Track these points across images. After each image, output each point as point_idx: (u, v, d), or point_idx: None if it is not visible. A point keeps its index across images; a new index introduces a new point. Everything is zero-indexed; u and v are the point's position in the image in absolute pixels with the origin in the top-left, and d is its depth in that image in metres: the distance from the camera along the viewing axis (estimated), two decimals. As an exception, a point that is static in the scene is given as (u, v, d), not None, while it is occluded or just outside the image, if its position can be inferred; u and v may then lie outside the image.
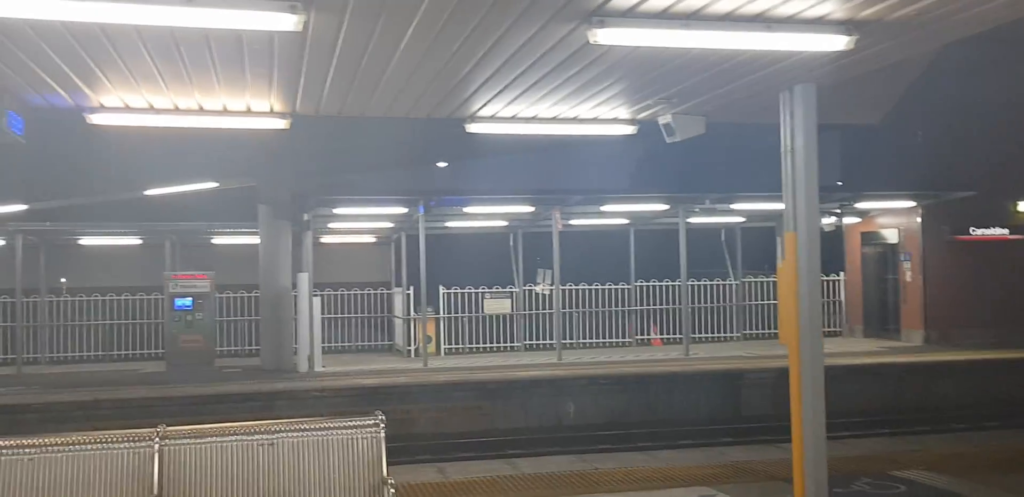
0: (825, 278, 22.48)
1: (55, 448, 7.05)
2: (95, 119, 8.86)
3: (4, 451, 6.82)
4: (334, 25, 6.40)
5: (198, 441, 7.40)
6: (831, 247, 22.85)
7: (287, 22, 5.94)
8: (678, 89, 8.55)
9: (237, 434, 7.53)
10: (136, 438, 7.26)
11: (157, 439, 7.23)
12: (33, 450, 6.98)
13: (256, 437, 7.53)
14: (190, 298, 18.30)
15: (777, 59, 7.41)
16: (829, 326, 22.67)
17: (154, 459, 7.13)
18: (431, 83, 8.24)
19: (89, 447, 7.14)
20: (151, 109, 8.88)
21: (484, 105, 9.25)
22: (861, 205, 20.97)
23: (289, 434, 7.63)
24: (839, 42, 6.59)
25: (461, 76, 8.01)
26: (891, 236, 21.84)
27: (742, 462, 10.76)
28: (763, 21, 6.38)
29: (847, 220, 22.24)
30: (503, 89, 8.54)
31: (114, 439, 7.21)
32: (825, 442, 8.72)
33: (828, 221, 21.23)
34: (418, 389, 15.73)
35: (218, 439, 7.45)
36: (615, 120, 10.04)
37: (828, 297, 22.91)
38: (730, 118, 9.89)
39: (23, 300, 19.16)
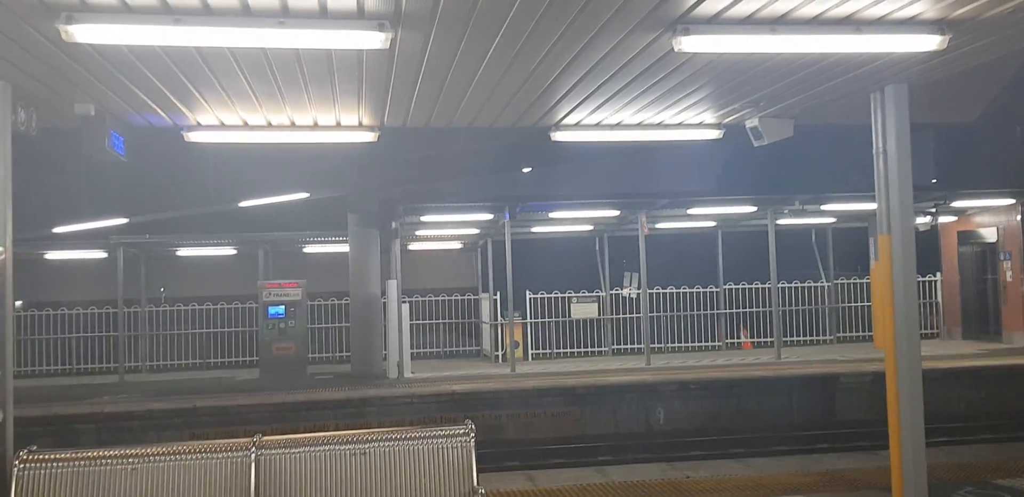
0: (921, 279, 21.84)
1: (157, 457, 7.29)
2: (192, 137, 9.16)
3: (109, 461, 7.09)
4: (420, 41, 6.50)
5: (293, 450, 7.57)
6: (927, 247, 22.22)
7: (375, 40, 6.06)
8: (765, 93, 8.44)
9: (330, 443, 7.69)
10: (234, 448, 7.47)
11: (254, 448, 7.42)
12: (136, 460, 7.24)
13: (348, 446, 7.67)
14: (283, 306, 18.69)
15: (867, 61, 7.27)
16: (926, 328, 22.02)
17: (251, 468, 7.33)
18: (516, 93, 8.31)
19: (189, 456, 7.37)
20: (245, 126, 9.14)
21: (569, 113, 9.28)
22: (958, 204, 20.33)
23: (380, 443, 7.75)
24: (931, 42, 6.43)
25: (545, 85, 8.05)
26: (989, 235, 21.11)
27: (838, 470, 10.53)
28: (852, 23, 6.27)
29: (943, 219, 21.58)
30: (587, 97, 8.56)
31: (213, 449, 7.43)
32: (924, 450, 8.51)
33: (923, 220, 20.64)
34: (507, 395, 15.75)
35: (312, 448, 7.62)
36: (700, 125, 9.96)
37: (924, 298, 22.26)
38: (819, 120, 9.73)
39: (124, 310, 19.84)
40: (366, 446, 7.72)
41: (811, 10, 6.01)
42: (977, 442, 13.41)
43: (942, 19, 6.27)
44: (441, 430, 7.91)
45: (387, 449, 7.74)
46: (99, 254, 20.50)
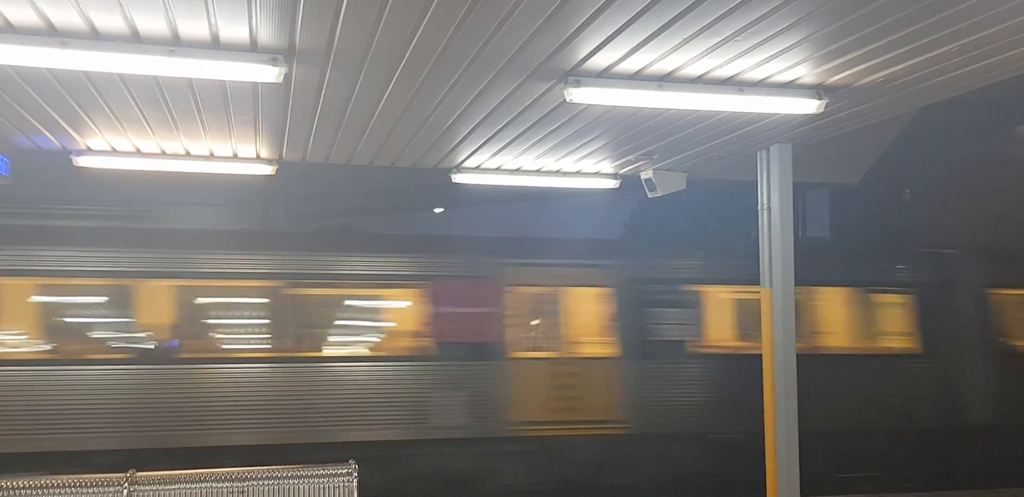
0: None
1: (25, 491, 7.02)
2: (82, 161, 8.94)
3: (-29, 494, 6.80)
4: (316, 77, 6.50)
5: (167, 487, 7.36)
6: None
7: (268, 74, 6.04)
8: (658, 146, 8.66)
9: (207, 481, 7.49)
10: (105, 483, 7.23)
11: (127, 484, 7.21)
12: (2, 493, 6.95)
13: (226, 484, 7.49)
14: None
15: (751, 120, 7.53)
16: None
17: (122, 505, 7.11)
18: (415, 134, 8.35)
19: (58, 491, 7.11)
20: (138, 152, 8.95)
21: (469, 156, 9.34)
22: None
23: (260, 482, 7.59)
24: (810, 106, 6.71)
25: (444, 128, 8.11)
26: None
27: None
28: (735, 84, 6.51)
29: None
30: (486, 141, 8.64)
31: (83, 483, 7.19)
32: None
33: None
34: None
35: (188, 485, 7.42)
36: (598, 174, 10.15)
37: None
38: (712, 175, 10.01)
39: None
40: (245, 485, 7.56)
41: (695, 70, 6.23)
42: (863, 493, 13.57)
43: (819, 84, 6.55)
44: (323, 469, 7.79)
45: (267, 488, 7.59)
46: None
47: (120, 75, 6.39)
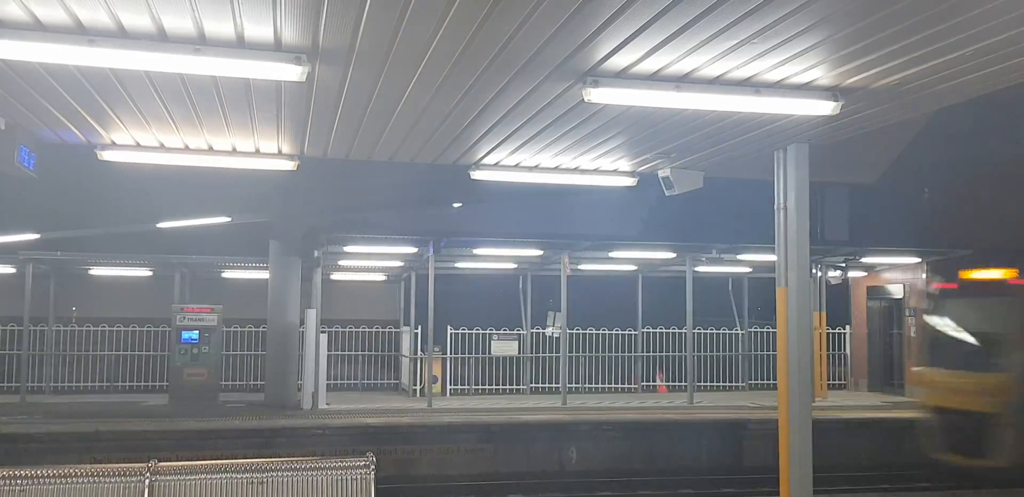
0: (831, 330, 22.43)
1: (47, 480, 7.16)
2: (106, 156, 9.10)
3: (-4, 481, 6.93)
4: (338, 75, 6.61)
5: (188, 477, 7.49)
6: (838, 300, 22.85)
7: (292, 72, 6.16)
8: (675, 145, 8.72)
9: (228, 471, 7.61)
10: (128, 473, 7.37)
11: (148, 474, 7.33)
12: (25, 481, 7.10)
13: (246, 475, 7.61)
14: (197, 331, 18.42)
15: (768, 121, 7.59)
16: (835, 379, 22.58)
17: (144, 494, 7.24)
18: (435, 131, 8.45)
19: (81, 480, 7.25)
20: (161, 147, 9.11)
21: (488, 153, 9.44)
22: (867, 260, 20.97)
23: (279, 473, 7.70)
24: (826, 107, 6.77)
25: (463, 126, 8.21)
26: (896, 291, 21.75)
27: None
28: (752, 85, 6.57)
29: (853, 274, 22.22)
30: (506, 139, 8.74)
31: (106, 473, 7.33)
32: (812, 493, 8.74)
33: (835, 274, 21.25)
34: (421, 430, 15.70)
35: (208, 476, 7.54)
36: (616, 172, 10.22)
37: (834, 350, 22.81)
38: (728, 174, 10.07)
39: (30, 328, 19.27)
40: (264, 475, 7.67)
41: (713, 71, 6.29)
42: (873, 491, 13.72)
43: (836, 86, 6.61)
44: (341, 462, 7.90)
45: (285, 479, 7.70)
46: (6, 269, 19.92)
47: (146, 73, 6.51)
